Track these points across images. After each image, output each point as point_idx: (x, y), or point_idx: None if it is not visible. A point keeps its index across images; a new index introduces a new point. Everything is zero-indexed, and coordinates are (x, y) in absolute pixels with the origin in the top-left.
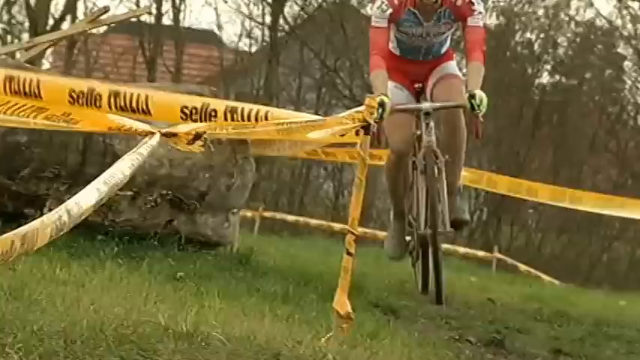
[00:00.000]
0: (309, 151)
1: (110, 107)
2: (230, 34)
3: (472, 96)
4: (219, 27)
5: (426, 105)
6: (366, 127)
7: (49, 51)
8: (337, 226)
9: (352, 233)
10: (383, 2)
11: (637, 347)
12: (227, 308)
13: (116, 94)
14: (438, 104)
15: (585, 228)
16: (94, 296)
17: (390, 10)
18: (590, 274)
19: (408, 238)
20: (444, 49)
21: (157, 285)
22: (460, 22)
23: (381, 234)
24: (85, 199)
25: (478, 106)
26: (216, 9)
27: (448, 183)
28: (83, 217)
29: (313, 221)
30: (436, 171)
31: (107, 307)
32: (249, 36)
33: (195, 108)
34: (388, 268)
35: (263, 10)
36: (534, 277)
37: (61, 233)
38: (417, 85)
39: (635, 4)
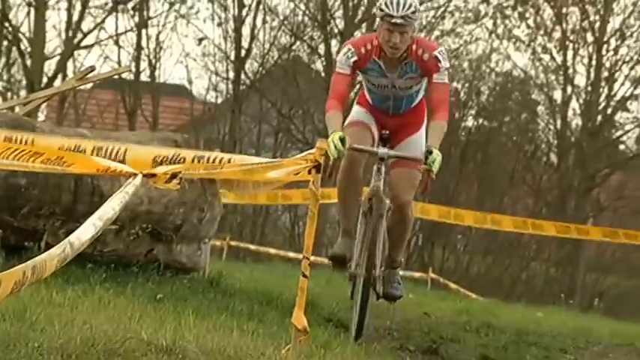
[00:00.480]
0: (270, 195)
1: None
2: (199, 87)
3: (429, 152)
4: (190, 82)
5: (381, 150)
6: (317, 167)
7: (43, 105)
8: (292, 254)
9: (307, 259)
10: (350, 49)
11: (553, 352)
12: (200, 325)
13: (99, 149)
14: (393, 152)
15: (506, 250)
16: (86, 317)
17: (355, 58)
18: (511, 290)
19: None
20: (414, 104)
21: (139, 306)
22: (426, 77)
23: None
24: (84, 233)
25: (432, 163)
26: (186, 66)
27: (390, 258)
28: (83, 249)
29: (272, 250)
30: (378, 215)
31: (97, 326)
32: (215, 89)
33: (167, 157)
34: (338, 289)
35: (227, 67)
36: (463, 294)
37: (65, 263)
38: (384, 132)
39: (546, 57)
